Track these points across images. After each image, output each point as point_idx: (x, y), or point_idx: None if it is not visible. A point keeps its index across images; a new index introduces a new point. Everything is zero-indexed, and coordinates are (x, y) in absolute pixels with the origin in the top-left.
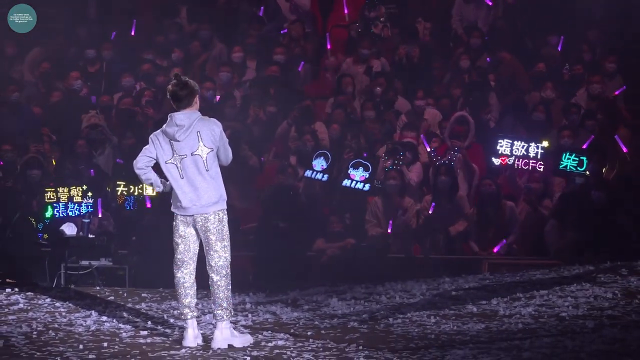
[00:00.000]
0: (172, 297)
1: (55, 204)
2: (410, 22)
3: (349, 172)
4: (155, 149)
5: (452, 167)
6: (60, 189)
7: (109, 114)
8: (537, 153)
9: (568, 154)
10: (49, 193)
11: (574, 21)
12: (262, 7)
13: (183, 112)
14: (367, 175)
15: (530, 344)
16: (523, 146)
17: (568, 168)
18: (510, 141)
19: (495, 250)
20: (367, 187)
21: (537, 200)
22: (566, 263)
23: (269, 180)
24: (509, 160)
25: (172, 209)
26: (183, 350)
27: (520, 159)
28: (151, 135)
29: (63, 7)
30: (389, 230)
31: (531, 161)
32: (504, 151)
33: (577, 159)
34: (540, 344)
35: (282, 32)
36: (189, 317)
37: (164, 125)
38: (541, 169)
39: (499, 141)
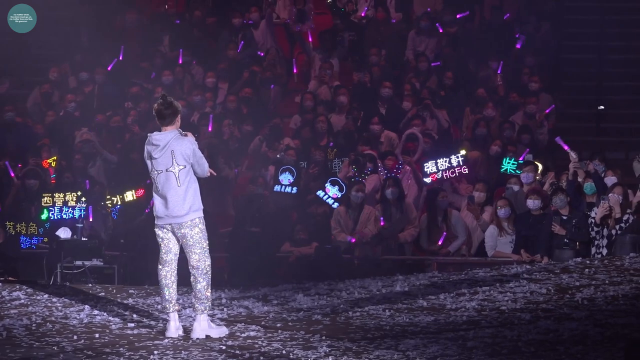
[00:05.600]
0: (156, 293)
1: (51, 207)
2: (365, 50)
3: (325, 185)
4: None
5: (398, 179)
6: (57, 194)
7: (102, 131)
8: (458, 161)
9: (508, 158)
10: (45, 198)
11: (512, 48)
12: (241, 42)
13: (161, 132)
14: (339, 194)
15: (474, 334)
16: (446, 160)
17: (508, 171)
18: (434, 160)
19: (440, 242)
20: (335, 205)
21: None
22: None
23: (242, 190)
24: (437, 175)
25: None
26: (166, 340)
27: (447, 171)
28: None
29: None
30: (353, 240)
31: (456, 169)
32: (431, 170)
33: (516, 163)
34: (482, 334)
35: (260, 53)
36: (170, 310)
37: (145, 143)
38: (466, 172)
39: (424, 164)
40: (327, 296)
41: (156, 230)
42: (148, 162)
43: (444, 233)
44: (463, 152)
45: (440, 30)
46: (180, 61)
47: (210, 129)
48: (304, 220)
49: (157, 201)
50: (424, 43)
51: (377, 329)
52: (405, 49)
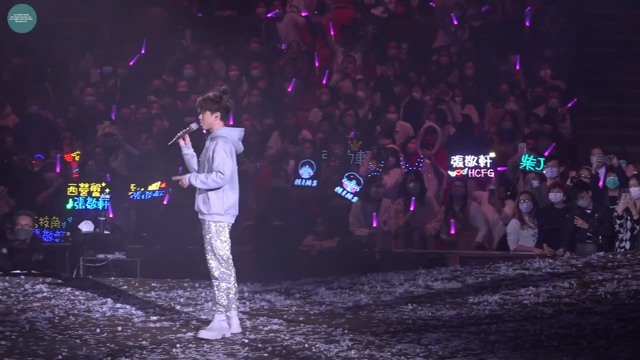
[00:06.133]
0: (178, 287)
1: (75, 197)
2: (387, 43)
3: (343, 181)
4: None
5: (420, 173)
6: (82, 185)
7: (126, 124)
8: (487, 162)
9: (527, 155)
10: (71, 187)
11: (532, 42)
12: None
13: (231, 128)
14: (357, 189)
15: (496, 328)
16: (474, 158)
17: (527, 168)
18: (462, 156)
19: (452, 231)
20: (355, 199)
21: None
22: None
23: (264, 183)
24: (463, 172)
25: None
26: (189, 334)
27: (473, 169)
28: None
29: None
30: (375, 224)
31: (482, 170)
32: (457, 165)
33: (535, 159)
34: (505, 328)
35: (282, 47)
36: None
37: (229, 140)
38: (492, 176)
39: (452, 157)
40: (350, 290)
41: (228, 228)
42: (231, 157)
43: (452, 220)
44: (492, 154)
45: (455, 22)
46: (193, 51)
47: (231, 122)
48: (325, 214)
49: (235, 198)
50: (445, 36)
51: (400, 322)
52: (426, 42)
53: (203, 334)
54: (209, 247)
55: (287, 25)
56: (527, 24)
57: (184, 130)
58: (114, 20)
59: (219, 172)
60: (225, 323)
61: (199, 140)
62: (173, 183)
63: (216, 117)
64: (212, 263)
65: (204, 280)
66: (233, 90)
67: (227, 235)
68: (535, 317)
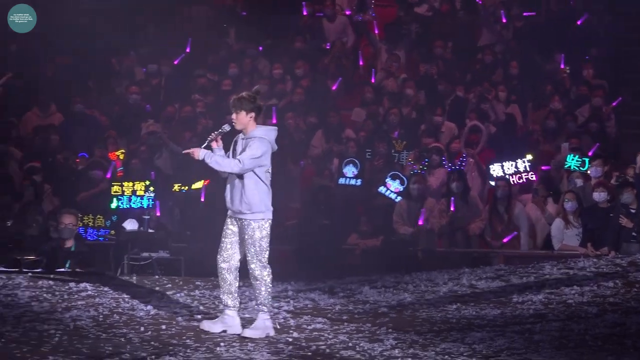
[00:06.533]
0: None
1: (120, 197)
2: (431, 41)
3: (386, 180)
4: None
5: (463, 172)
6: (126, 183)
7: (170, 123)
8: (525, 166)
9: (572, 155)
10: (115, 187)
11: (577, 40)
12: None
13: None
14: (401, 188)
15: (540, 328)
16: (512, 164)
17: (572, 167)
18: (500, 164)
19: (505, 241)
20: (398, 198)
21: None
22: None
23: (308, 182)
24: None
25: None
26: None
27: (514, 176)
28: None
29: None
30: (420, 222)
31: (523, 174)
32: (498, 173)
33: (580, 159)
34: (549, 327)
35: (327, 46)
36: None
37: (269, 139)
38: (534, 179)
39: (490, 167)
40: (394, 289)
41: (269, 226)
42: (264, 157)
43: (515, 233)
44: (529, 157)
45: (504, 20)
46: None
47: (274, 120)
48: (369, 213)
49: (270, 195)
50: (490, 35)
51: (444, 321)
52: (471, 41)
53: (248, 332)
54: (251, 247)
55: (332, 24)
56: (579, 22)
57: (217, 132)
58: (159, 19)
59: (239, 160)
60: (269, 322)
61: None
62: (214, 179)
63: (251, 117)
64: (253, 263)
65: (248, 279)
66: (277, 88)
67: (269, 232)
68: (580, 316)
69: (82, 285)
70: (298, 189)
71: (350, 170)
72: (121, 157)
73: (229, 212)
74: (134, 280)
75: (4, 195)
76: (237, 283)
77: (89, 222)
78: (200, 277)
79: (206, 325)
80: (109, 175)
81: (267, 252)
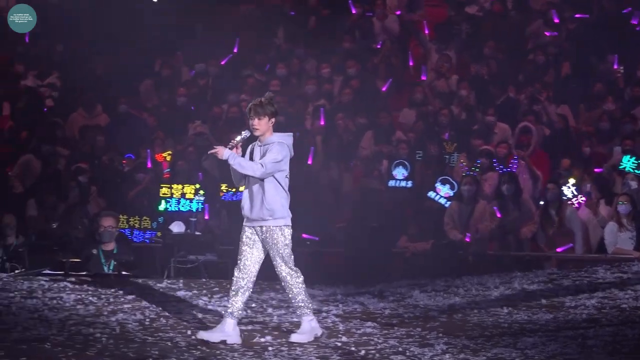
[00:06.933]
0: (270, 289)
1: (168, 199)
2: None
3: (436, 185)
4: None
5: (514, 174)
6: (175, 186)
7: (217, 123)
8: (572, 191)
9: (629, 156)
10: (164, 189)
11: (631, 40)
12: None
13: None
14: (451, 193)
15: (594, 333)
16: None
17: (627, 169)
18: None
19: (559, 250)
20: (448, 204)
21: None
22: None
23: (358, 184)
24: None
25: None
26: (281, 337)
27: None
28: None
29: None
30: (467, 239)
31: (573, 199)
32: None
33: (637, 162)
34: (603, 332)
35: (377, 46)
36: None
37: (289, 144)
38: (584, 201)
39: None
40: (444, 293)
41: (290, 232)
42: (285, 160)
43: (570, 245)
44: (572, 180)
45: (556, 21)
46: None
47: (322, 122)
48: (420, 215)
49: (289, 200)
50: (544, 36)
51: (495, 326)
52: (522, 41)
53: (295, 337)
54: (277, 254)
55: (382, 24)
56: (635, 22)
57: (238, 139)
58: (206, 19)
59: (262, 163)
60: (314, 322)
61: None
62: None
63: (272, 122)
64: (283, 269)
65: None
66: (325, 89)
67: (291, 238)
68: (634, 321)
69: (128, 288)
70: (347, 191)
71: (400, 172)
72: (168, 158)
73: (246, 222)
74: (181, 284)
75: (50, 196)
76: (248, 295)
77: (135, 223)
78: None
79: (204, 335)
80: (149, 165)
81: (292, 257)
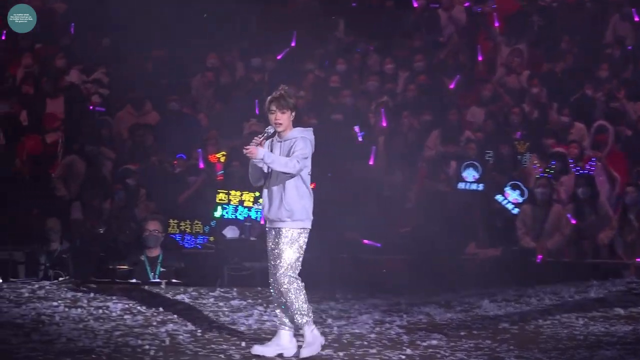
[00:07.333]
0: (330, 298)
1: (225, 205)
2: (556, 36)
3: (505, 189)
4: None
5: (591, 177)
6: (233, 192)
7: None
8: None
9: None
10: (220, 194)
11: None
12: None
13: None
14: (520, 200)
15: None
16: None
17: None
18: None
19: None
20: (515, 210)
21: None
22: None
23: (423, 186)
24: None
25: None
26: (342, 350)
27: None
28: None
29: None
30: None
31: None
32: None
33: None
34: None
35: (443, 40)
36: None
37: (311, 140)
38: None
39: None
40: (515, 302)
41: (306, 237)
42: (309, 157)
43: None
44: None
45: (636, 19)
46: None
47: (384, 123)
48: (490, 220)
49: (312, 199)
50: (623, 29)
51: (570, 338)
52: (599, 35)
53: (304, 352)
54: (280, 258)
55: (449, 17)
56: None
57: (263, 135)
58: (262, 10)
59: (297, 160)
60: (316, 330)
61: None
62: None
63: (293, 116)
64: (283, 276)
65: (359, 292)
66: (388, 85)
67: (305, 244)
68: None
69: (179, 297)
70: (412, 193)
71: (470, 174)
72: (222, 159)
73: (268, 223)
74: (235, 292)
75: (96, 199)
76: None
77: (186, 228)
78: (305, 288)
79: (258, 349)
80: (202, 165)
81: (300, 265)
